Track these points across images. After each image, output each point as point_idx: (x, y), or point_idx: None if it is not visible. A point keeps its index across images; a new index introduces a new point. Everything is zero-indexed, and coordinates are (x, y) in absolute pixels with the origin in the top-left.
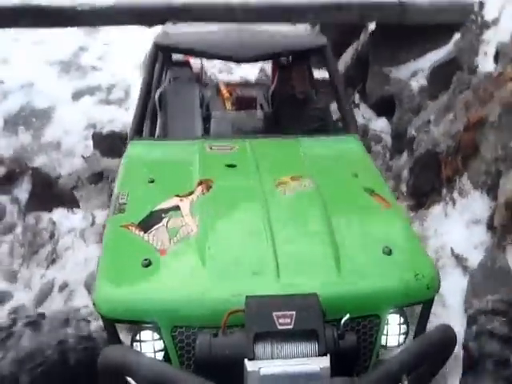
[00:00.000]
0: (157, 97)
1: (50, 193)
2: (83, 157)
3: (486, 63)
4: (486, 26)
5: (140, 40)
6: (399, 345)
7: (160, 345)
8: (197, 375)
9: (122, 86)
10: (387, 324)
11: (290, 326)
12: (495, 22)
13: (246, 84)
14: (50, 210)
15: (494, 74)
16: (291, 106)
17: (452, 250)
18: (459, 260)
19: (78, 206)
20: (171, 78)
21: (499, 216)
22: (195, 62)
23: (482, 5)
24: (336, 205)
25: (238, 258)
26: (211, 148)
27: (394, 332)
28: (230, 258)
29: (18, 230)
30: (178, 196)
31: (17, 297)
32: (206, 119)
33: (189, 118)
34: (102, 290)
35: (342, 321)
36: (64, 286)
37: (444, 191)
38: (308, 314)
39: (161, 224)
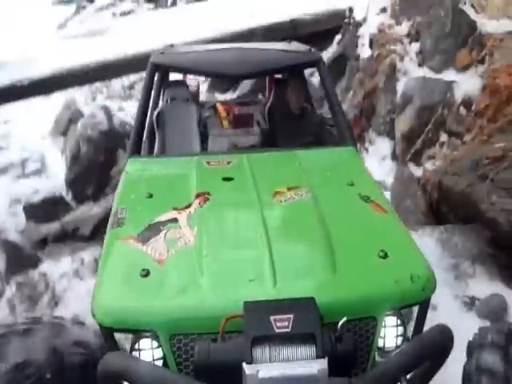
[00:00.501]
0: (154, 116)
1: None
2: None
3: (364, 51)
4: (358, 24)
5: (41, 110)
6: (396, 346)
7: (159, 353)
8: (196, 381)
9: (35, 157)
10: (384, 326)
11: (288, 330)
12: (364, 20)
13: (242, 102)
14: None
15: (374, 55)
16: (288, 121)
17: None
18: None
19: None
20: (168, 98)
21: (398, 147)
22: (191, 84)
23: (351, 9)
24: (332, 211)
25: (235, 265)
26: (208, 163)
27: (390, 334)
28: (227, 265)
29: (8, 292)
30: (175, 209)
31: None
32: (204, 138)
33: (187, 137)
34: (100, 299)
35: (339, 323)
36: (75, 320)
37: (358, 144)
38: (305, 317)
39: (159, 236)
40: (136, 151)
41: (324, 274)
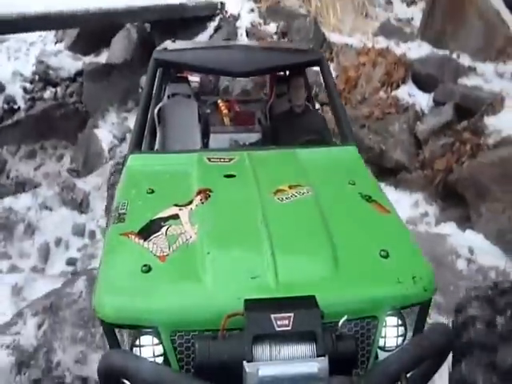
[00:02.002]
0: (156, 112)
1: None
2: None
3: (243, 40)
4: (234, 18)
5: None
6: (397, 346)
7: (159, 349)
8: (197, 378)
9: None
10: (385, 326)
11: (289, 328)
12: (239, 15)
13: (243, 100)
14: None
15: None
16: (289, 119)
17: None
18: None
19: None
20: (170, 94)
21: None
22: (192, 80)
23: (223, 4)
24: (334, 210)
25: (236, 262)
26: (210, 159)
27: (391, 334)
28: (229, 262)
29: None
30: (176, 205)
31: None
32: (205, 134)
33: (188, 134)
34: (101, 295)
35: (340, 322)
36: (58, 241)
37: None
38: (306, 315)
39: (160, 232)
40: (137, 147)
41: (326, 272)
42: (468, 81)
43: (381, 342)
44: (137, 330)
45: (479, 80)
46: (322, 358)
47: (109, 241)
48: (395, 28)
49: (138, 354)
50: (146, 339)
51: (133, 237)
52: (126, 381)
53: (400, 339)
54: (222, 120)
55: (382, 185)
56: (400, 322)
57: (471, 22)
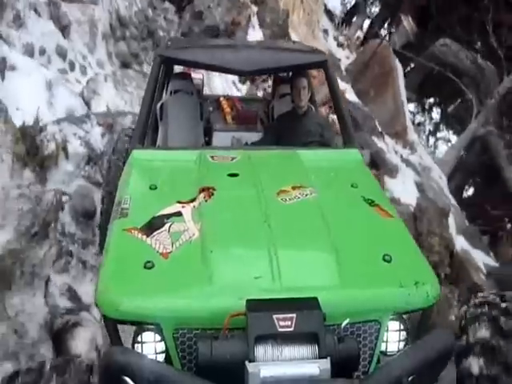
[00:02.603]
0: (158, 108)
1: None
2: None
3: None
4: None
5: None
6: (398, 351)
7: (161, 346)
8: (198, 377)
9: None
10: (387, 330)
11: (291, 329)
12: None
13: (246, 98)
14: None
15: None
16: (292, 120)
17: None
18: None
19: None
20: (172, 90)
21: None
22: (195, 77)
23: None
24: (337, 213)
25: (239, 262)
26: (213, 158)
27: (393, 338)
28: (232, 262)
29: None
30: (179, 202)
31: None
32: (207, 132)
33: (190, 130)
34: (104, 291)
35: (343, 325)
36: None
37: None
38: (308, 316)
39: (163, 229)
40: (140, 142)
41: (328, 274)
42: (378, 142)
43: (383, 347)
44: (139, 326)
45: (384, 146)
46: (324, 359)
47: (111, 235)
48: None
49: (140, 350)
50: (148, 336)
51: (136, 232)
52: (127, 378)
53: (402, 344)
54: (224, 118)
55: None
56: (402, 327)
57: (387, 100)
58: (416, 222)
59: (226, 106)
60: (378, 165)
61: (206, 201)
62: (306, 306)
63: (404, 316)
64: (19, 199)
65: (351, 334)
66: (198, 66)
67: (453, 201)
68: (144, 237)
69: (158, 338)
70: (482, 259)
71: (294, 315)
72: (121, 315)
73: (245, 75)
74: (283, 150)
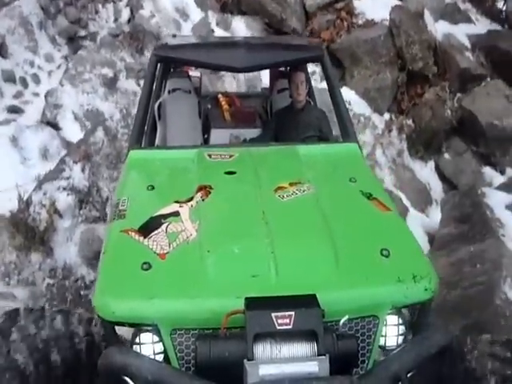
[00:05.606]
0: (156, 107)
1: None
2: None
3: None
4: None
5: None
6: (398, 346)
7: (159, 347)
8: (197, 377)
9: None
10: (385, 325)
11: (289, 327)
12: None
13: (244, 95)
14: None
15: None
16: (290, 115)
17: None
18: None
19: None
20: (170, 89)
21: None
22: (193, 75)
23: None
24: (334, 208)
25: (237, 260)
26: (210, 156)
27: (392, 333)
28: (230, 261)
29: None
30: (177, 202)
31: None
32: (205, 130)
33: (188, 129)
34: (101, 293)
35: (341, 321)
36: None
37: None
38: (307, 314)
39: (160, 229)
40: (138, 142)
41: (326, 271)
42: None
43: (381, 341)
44: (137, 327)
45: None
46: (323, 357)
47: (109, 237)
48: None
49: (138, 351)
50: (146, 337)
51: (133, 234)
52: (126, 378)
53: (400, 338)
54: (222, 115)
55: None
56: (400, 321)
57: None
58: (393, 38)
59: (224, 103)
60: None
61: (203, 200)
62: (305, 303)
63: (402, 310)
64: None
65: (350, 329)
66: (194, 64)
67: None
68: (141, 238)
69: (156, 338)
70: (464, 32)
71: (293, 313)
72: (118, 318)
73: (242, 72)
74: (281, 146)
